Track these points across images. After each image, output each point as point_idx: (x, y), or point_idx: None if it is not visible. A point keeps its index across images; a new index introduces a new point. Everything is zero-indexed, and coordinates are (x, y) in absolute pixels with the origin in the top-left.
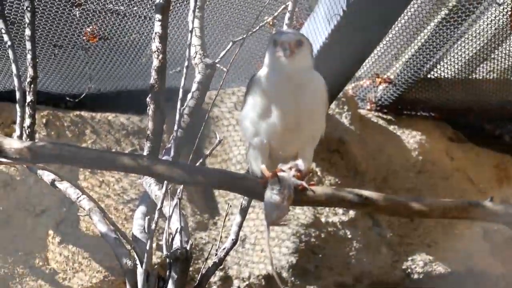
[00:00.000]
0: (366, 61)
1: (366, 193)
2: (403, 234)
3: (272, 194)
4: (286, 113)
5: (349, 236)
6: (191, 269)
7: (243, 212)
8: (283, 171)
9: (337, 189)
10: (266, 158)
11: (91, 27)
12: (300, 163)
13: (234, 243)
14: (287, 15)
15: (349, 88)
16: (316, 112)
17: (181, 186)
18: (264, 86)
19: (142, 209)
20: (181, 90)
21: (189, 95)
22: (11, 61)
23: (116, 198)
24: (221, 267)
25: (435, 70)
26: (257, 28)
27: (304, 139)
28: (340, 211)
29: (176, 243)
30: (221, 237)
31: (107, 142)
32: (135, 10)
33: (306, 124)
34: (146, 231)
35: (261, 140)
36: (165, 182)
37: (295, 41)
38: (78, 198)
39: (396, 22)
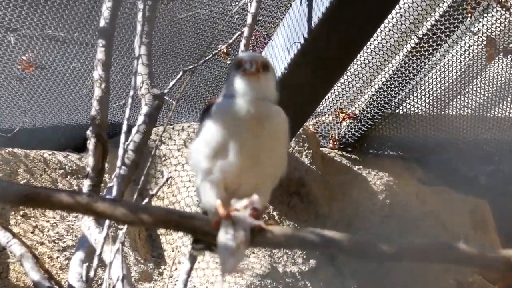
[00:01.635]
0: (329, 94)
1: (329, 233)
2: (370, 285)
3: (226, 239)
4: (245, 150)
5: (310, 287)
6: None
7: (193, 258)
8: (238, 210)
9: (297, 230)
10: (220, 193)
11: (27, 55)
12: (256, 199)
13: None
14: (243, 42)
15: (310, 124)
16: (277, 150)
17: (124, 229)
18: (222, 117)
19: (79, 255)
20: (125, 123)
21: (134, 129)
22: None
23: (51, 245)
24: None
25: (404, 104)
26: (210, 56)
27: (263, 178)
28: (299, 260)
29: None
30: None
31: (42, 182)
32: (76, 36)
33: (266, 162)
34: (84, 279)
35: (216, 178)
36: (106, 224)
37: (262, 62)
38: (8, 242)
39: (362, 52)
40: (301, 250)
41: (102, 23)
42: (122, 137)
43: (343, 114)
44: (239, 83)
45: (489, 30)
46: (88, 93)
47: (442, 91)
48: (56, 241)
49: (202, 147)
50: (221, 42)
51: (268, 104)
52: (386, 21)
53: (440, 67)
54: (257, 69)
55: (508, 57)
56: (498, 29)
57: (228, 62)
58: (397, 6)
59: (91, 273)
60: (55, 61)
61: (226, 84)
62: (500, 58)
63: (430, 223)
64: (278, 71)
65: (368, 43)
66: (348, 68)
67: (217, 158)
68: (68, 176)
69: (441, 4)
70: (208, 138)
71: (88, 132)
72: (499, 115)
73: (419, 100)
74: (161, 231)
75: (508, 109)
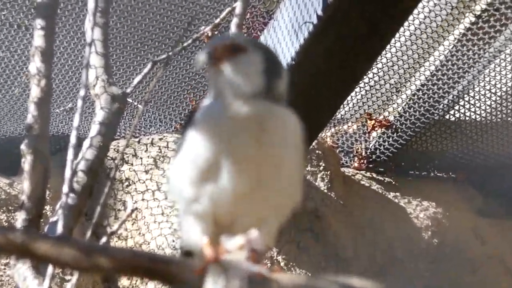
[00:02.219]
0: (352, 93)
1: (357, 283)
2: None
3: None
4: (242, 168)
5: None
6: None
7: None
8: (231, 252)
9: (312, 278)
10: (208, 228)
11: None
12: (256, 237)
13: None
14: (234, 22)
15: (327, 135)
16: (288, 167)
17: (73, 280)
18: (210, 126)
19: None
20: (73, 134)
21: (86, 142)
22: None
23: None
24: None
25: (455, 108)
26: (190, 41)
27: (268, 208)
28: None
29: None
30: None
31: None
32: (3, 15)
33: (272, 186)
34: None
35: (203, 209)
36: (49, 273)
37: (226, 44)
38: None
39: (397, 35)
40: None
41: None
42: (70, 154)
43: (373, 122)
44: (209, 79)
45: None
46: (22, 94)
47: (508, 89)
48: None
49: (185, 167)
50: (205, 23)
51: (269, 103)
52: None
53: (505, 56)
54: (217, 56)
55: None
56: None
57: None
58: None
59: None
60: None
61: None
62: None
63: (491, 267)
64: (282, 62)
65: (406, 23)
66: (378, 58)
67: (205, 182)
68: None
69: None
70: (193, 155)
71: (23, 147)
72: None
73: (476, 101)
74: (125, 282)
75: None
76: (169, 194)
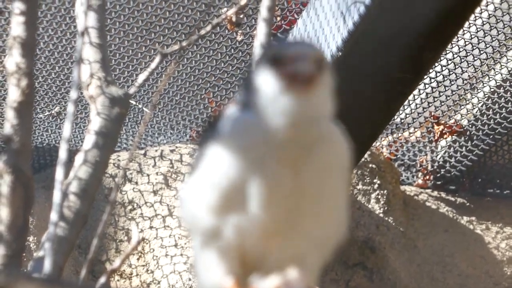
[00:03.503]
0: (415, 92)
1: None
2: None
3: None
4: (277, 196)
5: None
6: None
7: None
8: None
9: None
10: (234, 267)
11: None
12: (294, 276)
13: None
14: (265, 3)
15: (382, 144)
16: (332, 196)
17: None
18: (240, 143)
19: None
20: (63, 147)
21: (79, 157)
22: None
23: None
24: None
25: None
26: (209, 28)
27: (307, 243)
28: None
29: None
30: None
31: None
32: None
33: (312, 218)
34: None
35: (227, 242)
36: None
37: (316, 58)
38: None
39: (473, 17)
40: None
41: None
42: (59, 172)
43: (441, 127)
44: (280, 97)
45: None
46: None
47: None
48: None
49: (204, 190)
50: (227, 4)
51: (318, 122)
52: None
53: None
54: (311, 76)
55: None
56: None
57: (239, 38)
58: None
59: None
60: None
61: (246, 87)
62: None
63: None
64: (326, 52)
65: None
66: (449, 47)
67: (229, 211)
68: None
69: None
70: (215, 177)
71: (0, 166)
72: None
73: None
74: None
75: None
76: (184, 222)
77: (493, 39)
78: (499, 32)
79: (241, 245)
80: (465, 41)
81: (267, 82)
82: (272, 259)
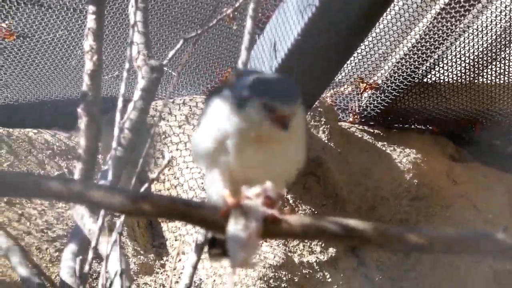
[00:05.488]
0: (348, 62)
1: (352, 222)
2: (395, 277)
3: (236, 230)
4: (248, 156)
5: (329, 280)
6: None
7: (199, 249)
8: (249, 198)
9: (316, 219)
10: (228, 184)
11: (7, 21)
12: (270, 187)
13: None
14: (251, 5)
15: (327, 95)
16: (293, 148)
17: (121, 218)
18: (225, 117)
19: (72, 247)
20: (120, 99)
21: (131, 105)
22: None
23: (39, 236)
24: None
25: (432, 73)
26: (214, 22)
27: (276, 176)
28: (317, 248)
29: None
30: (171, 281)
31: (28, 165)
32: (62, 1)
33: (278, 163)
34: (78, 274)
35: (220, 171)
36: (102, 213)
37: (295, 108)
38: None
39: (385, 14)
40: (320, 242)
41: None
42: (118, 116)
43: (364, 84)
44: (260, 120)
45: None
46: (77, 65)
47: (475, 57)
48: (45, 231)
49: (203, 138)
50: (226, 5)
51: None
52: None
53: (473, 30)
54: (286, 123)
55: None
56: None
57: (234, 27)
58: None
59: (86, 268)
60: (39, 29)
61: (243, 82)
62: None
63: (462, 205)
64: (291, 37)
65: (392, 4)
66: (369, 33)
67: (219, 154)
68: (57, 157)
69: None
70: (208, 131)
71: (79, 111)
72: None
73: (449, 67)
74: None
75: None
76: (192, 155)
77: (398, 28)
78: (402, 24)
79: (230, 174)
80: (379, 29)
81: (256, 114)
82: (253, 181)
